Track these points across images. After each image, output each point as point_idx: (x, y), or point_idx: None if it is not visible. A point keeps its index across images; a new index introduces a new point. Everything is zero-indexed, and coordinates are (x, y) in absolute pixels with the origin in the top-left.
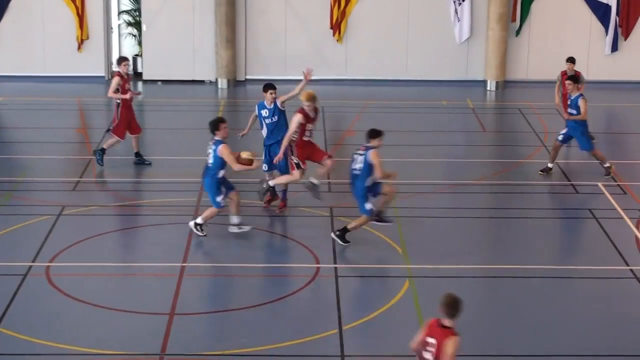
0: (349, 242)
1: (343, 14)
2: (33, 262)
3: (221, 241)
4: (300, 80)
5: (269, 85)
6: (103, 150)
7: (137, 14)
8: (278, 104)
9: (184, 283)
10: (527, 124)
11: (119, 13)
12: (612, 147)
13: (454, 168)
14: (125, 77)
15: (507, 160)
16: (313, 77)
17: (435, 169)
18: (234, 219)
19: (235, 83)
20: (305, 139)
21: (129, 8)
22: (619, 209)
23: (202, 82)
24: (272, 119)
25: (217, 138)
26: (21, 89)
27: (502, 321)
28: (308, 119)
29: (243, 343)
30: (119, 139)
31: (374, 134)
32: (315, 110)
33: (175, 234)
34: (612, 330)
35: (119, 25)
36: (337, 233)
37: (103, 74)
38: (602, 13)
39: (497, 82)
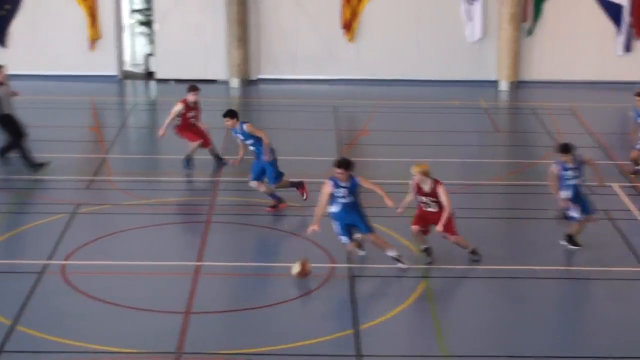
0: (579, 245)
1: (354, 13)
2: (48, 260)
3: (236, 240)
4: (311, 81)
5: (229, 113)
6: (188, 157)
7: (149, 13)
8: (245, 128)
9: (198, 282)
10: (539, 125)
11: (131, 12)
12: (626, 149)
13: (467, 168)
14: (192, 105)
15: (520, 161)
16: (324, 77)
17: (448, 169)
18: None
19: (247, 82)
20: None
21: (140, 7)
22: (633, 209)
23: (214, 81)
24: (250, 142)
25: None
26: (33, 88)
27: (517, 322)
28: (419, 190)
29: (258, 342)
30: (197, 143)
31: (558, 149)
32: (434, 183)
33: (189, 232)
34: (628, 331)
35: (131, 24)
36: (566, 240)
37: (115, 73)
38: (614, 13)
39: (509, 83)
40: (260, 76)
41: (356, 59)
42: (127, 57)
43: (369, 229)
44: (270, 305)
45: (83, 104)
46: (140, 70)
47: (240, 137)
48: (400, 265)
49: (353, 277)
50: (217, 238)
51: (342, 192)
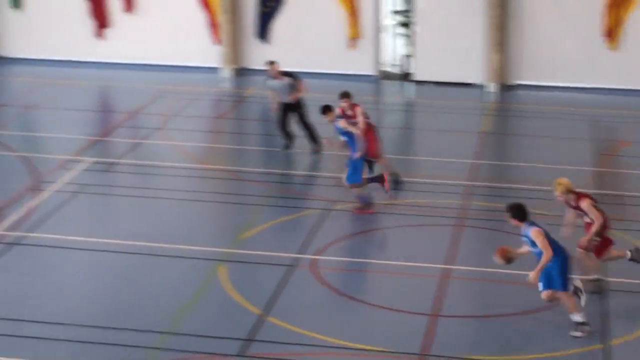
0: None
1: (618, 21)
2: (300, 254)
3: (486, 246)
4: (569, 88)
5: (325, 108)
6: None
7: (410, 14)
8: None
9: (446, 285)
10: None
11: (392, 13)
12: None
13: None
14: (347, 112)
15: None
16: (584, 85)
17: None
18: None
19: (505, 87)
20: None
21: (401, 9)
22: None
23: (471, 85)
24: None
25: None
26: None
27: None
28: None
29: (503, 350)
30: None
31: None
32: (577, 197)
33: (438, 235)
34: None
35: (392, 25)
36: None
37: (373, 73)
38: None
39: None
40: (518, 82)
41: (618, 67)
42: (385, 57)
43: (563, 287)
44: (517, 313)
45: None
46: (397, 71)
47: (338, 131)
48: (575, 333)
49: (604, 291)
50: (467, 242)
51: (525, 240)
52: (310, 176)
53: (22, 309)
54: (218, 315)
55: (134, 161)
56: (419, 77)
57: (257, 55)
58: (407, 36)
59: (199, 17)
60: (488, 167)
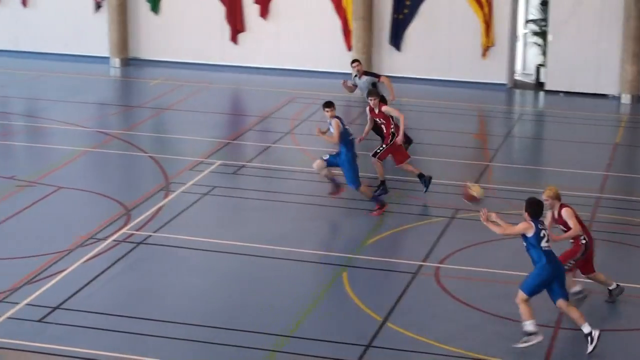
0: None
1: None
2: (423, 262)
3: (613, 258)
4: None
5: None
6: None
7: (544, 23)
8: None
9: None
10: None
11: (526, 22)
12: None
13: None
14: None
15: None
16: None
17: None
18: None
19: (639, 99)
20: None
21: (536, 18)
22: None
23: (605, 96)
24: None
25: None
26: (426, 92)
27: None
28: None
29: None
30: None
31: None
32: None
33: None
34: None
35: (525, 34)
36: None
37: (505, 82)
38: None
39: None
40: None
41: None
42: (518, 66)
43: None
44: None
45: (470, 110)
46: (530, 80)
47: (330, 128)
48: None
49: None
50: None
51: None
52: (434, 183)
53: (145, 307)
54: (339, 320)
55: (262, 164)
56: (551, 87)
57: (390, 62)
58: (540, 45)
59: (333, 23)
60: (618, 180)
